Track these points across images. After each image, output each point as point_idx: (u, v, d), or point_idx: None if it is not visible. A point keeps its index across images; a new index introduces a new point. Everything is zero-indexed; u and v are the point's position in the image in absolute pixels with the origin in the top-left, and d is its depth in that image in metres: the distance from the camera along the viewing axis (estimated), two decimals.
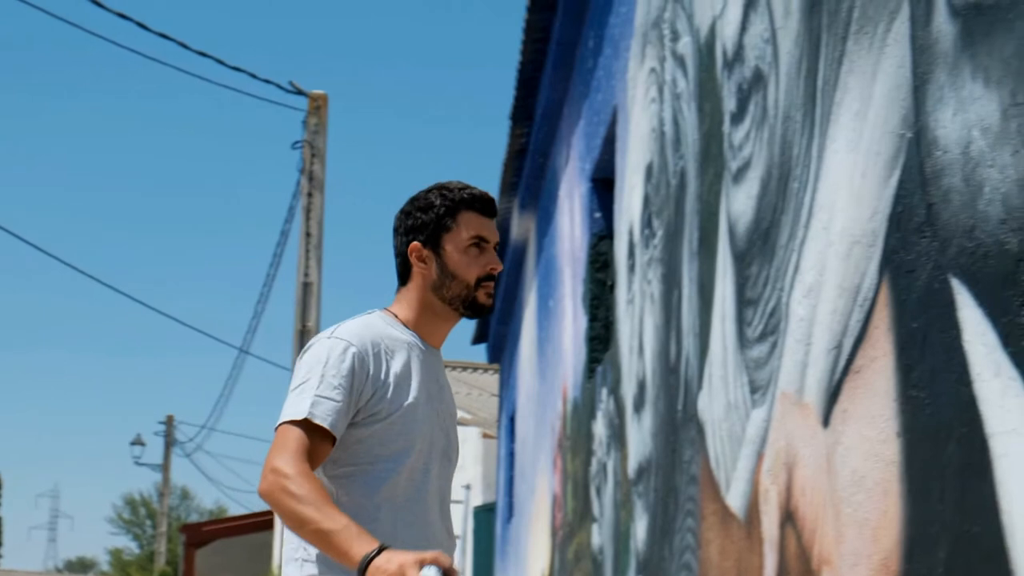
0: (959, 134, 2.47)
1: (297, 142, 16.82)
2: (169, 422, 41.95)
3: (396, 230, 3.51)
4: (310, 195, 16.77)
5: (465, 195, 3.45)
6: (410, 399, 3.32)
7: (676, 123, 5.50)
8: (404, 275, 3.48)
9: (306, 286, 16.57)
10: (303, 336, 16.39)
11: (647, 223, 6.22)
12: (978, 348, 2.38)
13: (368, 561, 2.96)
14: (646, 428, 6.06)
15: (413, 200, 3.50)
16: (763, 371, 3.90)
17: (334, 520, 3.04)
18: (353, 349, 3.24)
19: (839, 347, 3.18)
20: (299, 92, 16.78)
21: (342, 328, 3.32)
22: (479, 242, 3.43)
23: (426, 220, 3.44)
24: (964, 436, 2.43)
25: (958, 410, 2.46)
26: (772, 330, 3.80)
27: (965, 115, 2.44)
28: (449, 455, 3.47)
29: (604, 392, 7.63)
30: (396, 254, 3.51)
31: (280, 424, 3.18)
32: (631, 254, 6.74)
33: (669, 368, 5.52)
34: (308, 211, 16.74)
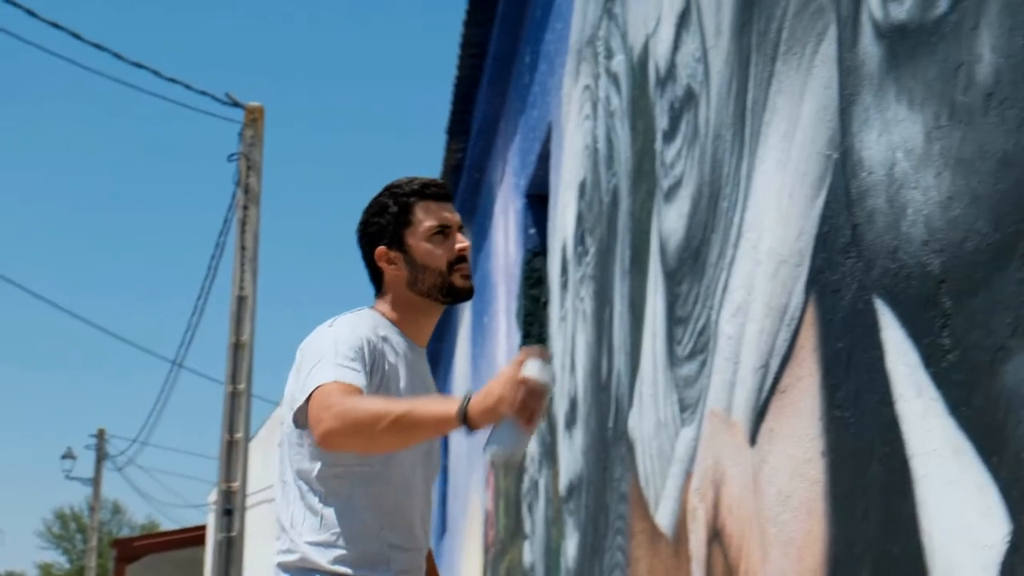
0: (884, 155, 2.49)
1: (233, 154, 16.72)
2: (100, 436, 41.58)
3: (359, 242, 3.49)
4: (246, 208, 16.67)
5: (415, 186, 3.44)
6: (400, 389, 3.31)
7: (609, 140, 5.51)
8: (378, 282, 3.47)
9: (241, 299, 16.46)
10: (237, 350, 16.28)
11: (580, 240, 6.23)
12: (900, 369, 2.39)
13: (465, 411, 2.93)
14: (577, 446, 6.06)
15: (367, 208, 3.49)
16: (692, 389, 3.90)
17: (401, 403, 3.04)
18: (359, 333, 3.22)
19: (766, 366, 3.19)
20: (235, 104, 16.68)
21: (341, 320, 3.31)
22: (441, 229, 3.41)
23: (384, 223, 3.42)
24: (887, 456, 2.44)
25: (881, 430, 2.47)
26: (701, 348, 3.81)
27: (890, 137, 2.46)
28: (432, 458, 3.45)
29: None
30: (366, 265, 3.50)
31: (310, 394, 3.11)
32: (564, 271, 6.74)
33: (600, 386, 5.52)
34: (244, 224, 16.64)
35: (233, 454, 16.04)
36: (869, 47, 2.59)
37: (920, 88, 2.33)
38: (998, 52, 2.04)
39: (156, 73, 15.56)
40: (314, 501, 3.25)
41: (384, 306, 3.41)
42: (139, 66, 15.34)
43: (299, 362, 3.26)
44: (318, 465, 3.24)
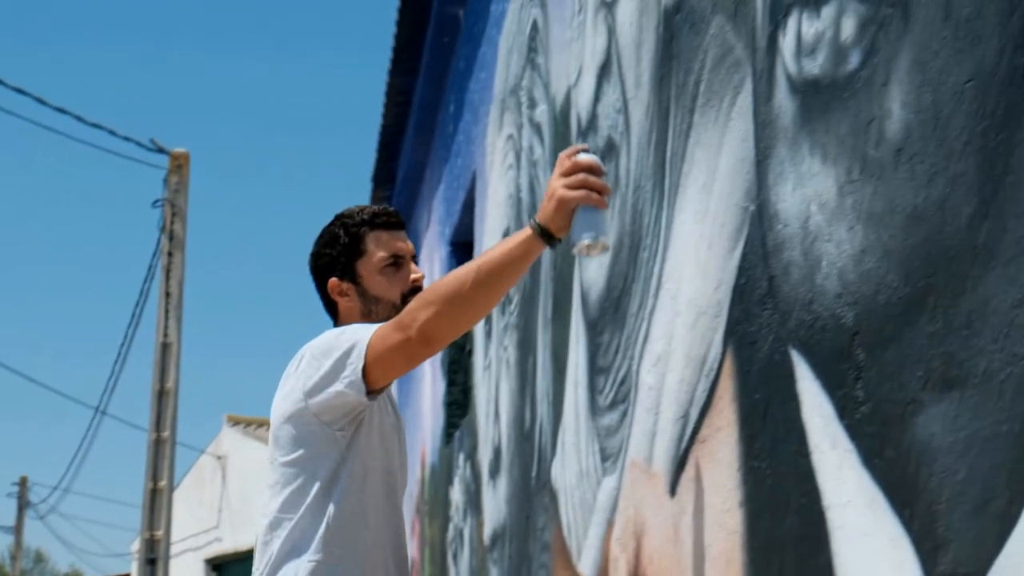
0: (798, 208, 2.51)
1: (157, 201, 16.64)
2: (23, 483, 41.11)
3: (312, 273, 3.45)
4: (170, 254, 16.59)
5: (366, 216, 3.40)
6: (388, 412, 3.31)
7: (532, 189, 5.53)
8: (333, 314, 3.43)
9: (165, 346, 16.35)
10: (161, 397, 16.16)
11: None
12: (816, 420, 2.41)
13: (538, 224, 2.90)
14: (501, 494, 6.06)
15: (318, 239, 3.44)
16: (614, 439, 3.91)
17: (473, 261, 3.02)
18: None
19: (686, 416, 3.20)
20: (161, 150, 16.62)
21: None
22: (394, 259, 3.38)
23: (335, 254, 3.38)
24: (803, 507, 2.45)
25: (797, 481, 2.48)
26: (623, 398, 3.82)
27: (804, 190, 2.48)
28: (406, 480, 3.44)
29: (461, 457, 7.62)
30: (319, 295, 3.45)
31: (365, 357, 3.07)
32: (488, 319, 6.75)
33: (524, 434, 5.52)
34: (168, 270, 16.55)
35: (157, 502, 15.92)
36: (784, 101, 2.62)
37: (833, 142, 2.36)
38: (908, 108, 2.07)
39: (79, 119, 15.48)
40: (318, 518, 3.18)
41: None
42: (62, 111, 15.26)
43: (311, 359, 3.18)
44: (325, 479, 3.18)
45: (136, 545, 20.50)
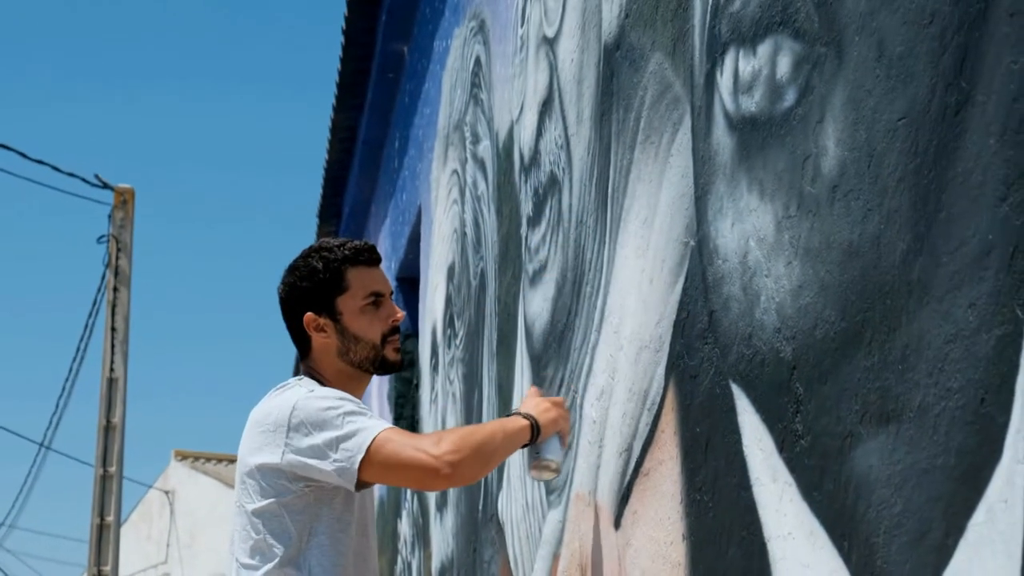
0: (737, 244, 2.53)
1: (102, 236, 16.58)
2: None
3: (284, 304, 3.35)
4: (116, 290, 16.52)
5: (348, 251, 3.31)
6: None
7: (477, 224, 5.54)
8: (304, 348, 3.34)
9: (111, 381, 16.28)
10: (107, 432, 16.07)
11: (450, 323, 6.25)
12: (756, 453, 2.43)
13: (534, 422, 3.25)
14: (448, 528, 6.06)
15: (293, 270, 3.34)
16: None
17: (486, 426, 3.29)
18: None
19: (629, 450, 3.22)
20: (105, 186, 16.55)
21: (303, 389, 3.21)
22: (376, 298, 3.31)
23: (313, 287, 3.29)
24: (744, 540, 2.47)
25: (739, 514, 2.50)
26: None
27: (743, 225, 2.51)
28: (373, 529, 3.41)
29: (408, 491, 7.61)
30: (289, 328, 3.36)
31: (368, 449, 3.06)
32: (434, 353, 6.76)
33: None
34: (114, 306, 16.48)
35: (104, 538, 15.83)
36: (722, 138, 2.64)
37: (770, 179, 2.38)
38: (842, 145, 2.10)
39: (23, 155, 15.39)
40: (289, 570, 3.13)
41: (316, 374, 3.29)
42: (4, 147, 15.17)
43: (302, 421, 3.11)
44: (304, 537, 3.14)
45: None
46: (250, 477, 3.19)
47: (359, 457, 3.05)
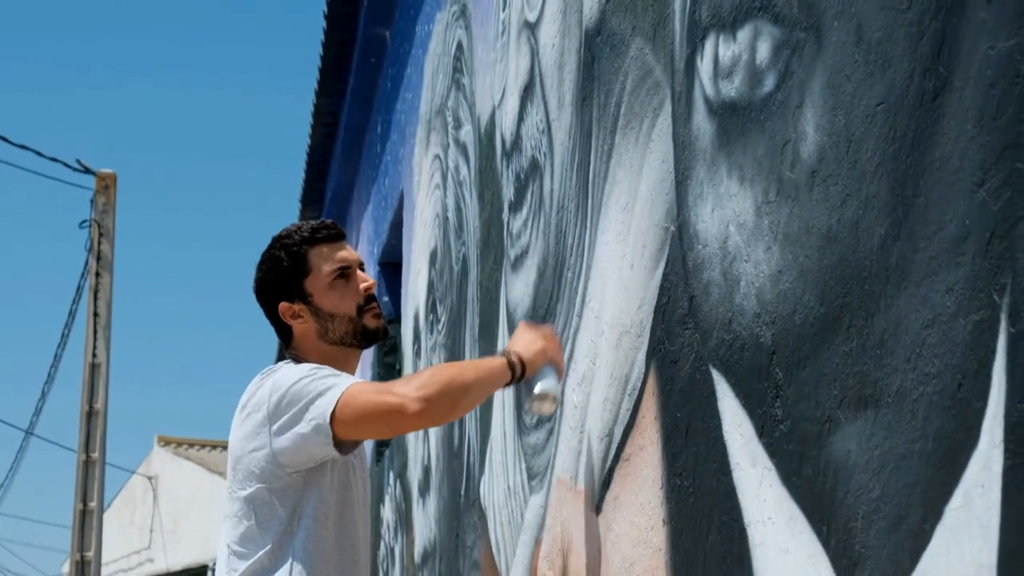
0: (717, 229, 2.54)
1: (84, 221, 16.54)
2: None
3: (259, 300, 3.37)
4: (98, 275, 16.49)
5: (305, 233, 3.32)
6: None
7: (459, 209, 5.54)
8: (286, 337, 3.36)
9: (94, 367, 16.26)
10: (90, 418, 16.06)
11: (432, 308, 6.25)
12: (736, 438, 2.43)
13: (516, 358, 3.20)
14: (431, 513, 6.06)
15: (260, 265, 3.36)
16: (540, 457, 3.93)
17: (456, 365, 3.26)
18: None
19: (611, 435, 3.22)
20: (87, 171, 16.51)
21: (290, 365, 3.23)
22: (341, 271, 3.31)
23: (280, 277, 3.30)
24: (724, 525, 2.47)
25: (719, 499, 2.51)
26: (549, 417, 3.84)
27: (723, 211, 2.51)
28: (368, 511, 3.40)
29: (391, 476, 7.61)
30: (270, 321, 3.38)
31: (337, 403, 3.06)
32: (417, 338, 6.76)
33: (453, 453, 5.53)
34: (96, 291, 16.45)
35: (87, 523, 15.82)
36: (702, 123, 2.64)
37: (750, 164, 2.39)
38: (821, 130, 2.10)
39: (4, 139, 15.35)
40: (279, 555, 3.14)
41: (302, 360, 3.28)
42: None
43: (280, 398, 3.12)
44: (291, 519, 3.15)
45: (67, 567, 20.34)
46: (240, 464, 3.20)
47: (329, 411, 3.06)
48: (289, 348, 3.37)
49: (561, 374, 3.35)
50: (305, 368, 3.18)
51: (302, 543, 3.15)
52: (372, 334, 3.35)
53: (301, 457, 3.14)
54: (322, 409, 3.07)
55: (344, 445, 3.13)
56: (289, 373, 3.18)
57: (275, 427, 3.13)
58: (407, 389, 3.04)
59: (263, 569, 3.16)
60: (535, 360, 3.22)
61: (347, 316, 3.30)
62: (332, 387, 3.09)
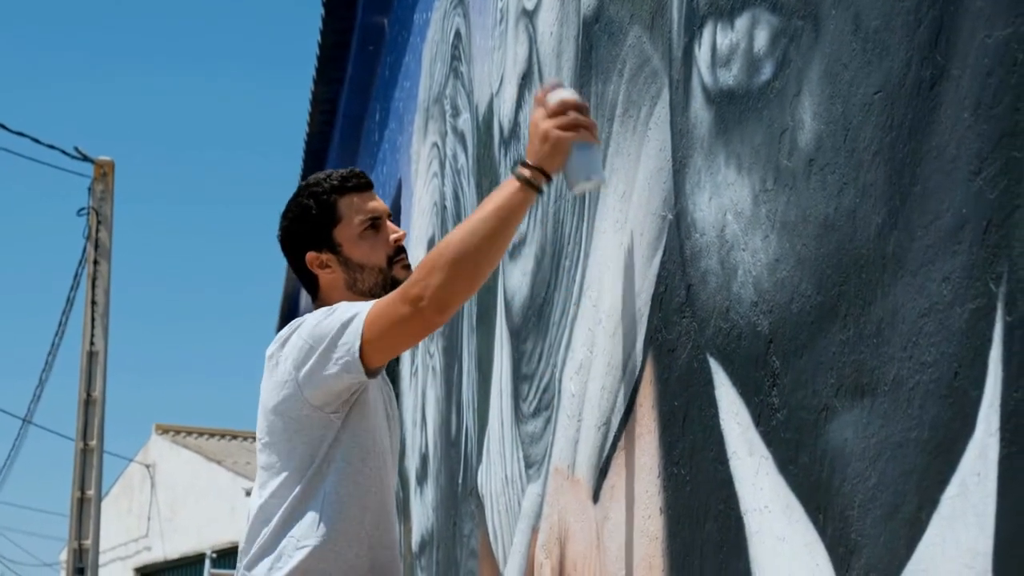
0: (715, 217, 2.54)
1: (82, 209, 16.54)
2: None
3: (284, 250, 3.32)
4: (96, 263, 16.49)
5: (335, 181, 3.26)
6: (381, 390, 3.24)
7: (457, 198, 5.54)
8: (313, 289, 3.31)
9: (92, 355, 16.27)
10: (88, 406, 16.07)
11: None
12: (733, 427, 2.43)
13: (531, 167, 2.88)
14: (428, 501, 6.07)
15: (286, 214, 3.31)
16: (538, 446, 3.93)
17: (468, 219, 2.97)
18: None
19: (608, 424, 3.22)
20: (85, 158, 16.51)
21: (312, 315, 3.16)
22: (372, 222, 3.26)
23: (308, 226, 3.25)
24: (721, 513, 2.48)
25: (716, 487, 2.51)
26: (546, 406, 3.84)
27: (720, 199, 2.51)
28: (395, 463, 3.37)
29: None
30: (295, 271, 3.33)
31: (362, 336, 2.99)
32: None
33: (450, 441, 5.54)
34: (94, 279, 16.46)
35: (85, 511, 15.84)
36: (700, 111, 2.64)
37: (748, 152, 2.38)
38: (819, 119, 2.10)
39: (2, 126, 15.33)
40: (311, 502, 3.13)
41: None
42: None
43: (304, 344, 3.08)
44: (313, 468, 3.12)
45: (64, 555, 20.37)
46: (273, 414, 3.17)
47: (357, 343, 3.01)
48: (316, 299, 3.33)
49: (598, 140, 2.96)
50: (321, 312, 3.14)
51: (333, 486, 3.13)
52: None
53: (332, 396, 3.11)
54: (348, 345, 3.02)
55: (375, 371, 3.10)
56: (310, 319, 3.14)
57: (303, 374, 3.09)
58: (417, 290, 2.93)
59: (295, 512, 3.13)
60: (555, 152, 2.88)
61: (377, 267, 3.26)
62: (354, 318, 3.03)
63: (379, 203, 3.33)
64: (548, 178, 2.91)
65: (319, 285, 3.30)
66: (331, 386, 3.09)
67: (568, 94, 2.92)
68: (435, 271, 2.92)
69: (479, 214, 2.94)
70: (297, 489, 3.14)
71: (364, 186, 3.31)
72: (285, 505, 3.15)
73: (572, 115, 2.87)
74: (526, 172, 2.89)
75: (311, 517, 3.12)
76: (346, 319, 3.05)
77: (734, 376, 2.44)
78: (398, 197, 7.65)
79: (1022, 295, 1.53)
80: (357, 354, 3.02)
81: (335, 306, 3.14)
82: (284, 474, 3.17)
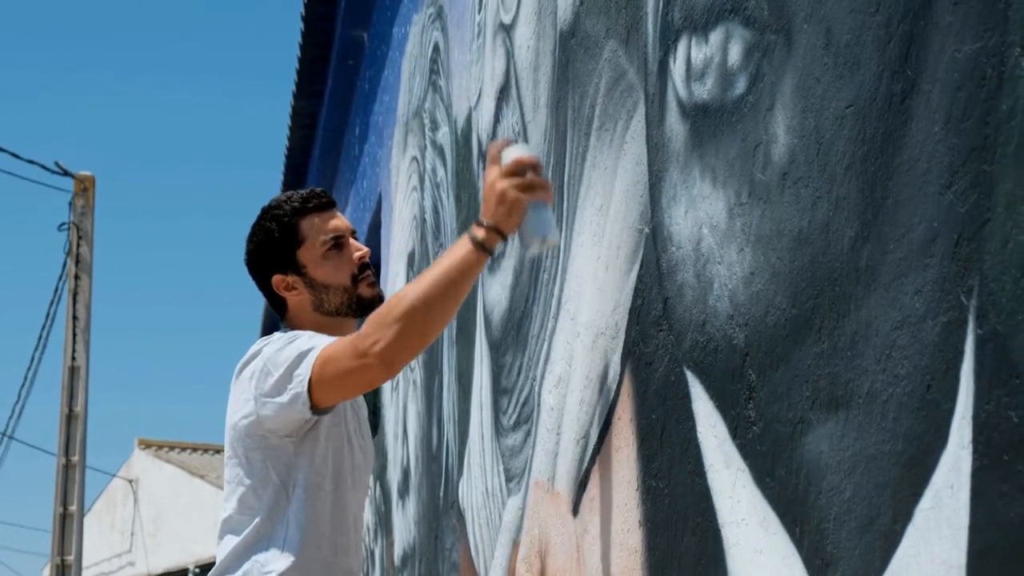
0: (691, 231, 2.54)
1: (63, 224, 16.50)
2: None
3: (251, 273, 3.33)
4: (77, 278, 16.45)
5: (296, 203, 3.27)
6: (343, 423, 3.23)
7: (436, 211, 5.55)
8: (280, 310, 3.31)
9: (73, 370, 16.22)
10: (70, 421, 16.02)
11: None
12: (710, 440, 2.44)
13: (487, 228, 2.83)
14: (410, 515, 6.06)
15: (251, 238, 3.32)
16: (518, 459, 3.93)
17: (419, 278, 2.90)
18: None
19: (587, 437, 3.22)
20: (65, 173, 16.47)
21: (277, 336, 3.17)
22: (335, 241, 3.26)
23: (272, 249, 3.26)
24: (699, 526, 2.48)
25: (693, 500, 2.51)
26: (526, 419, 3.84)
27: (696, 213, 2.52)
28: (367, 480, 3.38)
29: (371, 478, 7.62)
30: (263, 294, 3.34)
31: (312, 372, 2.99)
32: None
33: (431, 455, 5.53)
34: (75, 294, 16.41)
35: (67, 527, 15.78)
36: (675, 125, 2.65)
37: (722, 166, 2.39)
38: (792, 133, 2.11)
39: None
40: (274, 525, 3.14)
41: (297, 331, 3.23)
42: None
43: (263, 367, 3.10)
44: (277, 489, 3.14)
45: (47, 571, 20.31)
46: (235, 431, 3.20)
47: (307, 380, 3.03)
48: (284, 320, 3.34)
49: (551, 200, 2.92)
50: (285, 337, 3.16)
51: (295, 513, 3.15)
52: (368, 303, 3.28)
53: (283, 424, 3.12)
54: (301, 378, 3.04)
55: (323, 409, 3.12)
56: (274, 342, 3.15)
57: (259, 395, 3.12)
58: (367, 344, 2.92)
59: (259, 538, 3.16)
60: (511, 214, 2.84)
61: (342, 286, 3.26)
62: (309, 353, 3.05)
63: (341, 221, 3.33)
64: (504, 238, 2.89)
65: (287, 307, 3.32)
66: (283, 415, 3.11)
67: (522, 151, 2.90)
68: (385, 327, 2.91)
69: (432, 272, 2.91)
70: (261, 510, 3.17)
71: (326, 206, 3.32)
72: (250, 528, 3.17)
73: (529, 175, 2.85)
74: (480, 233, 2.86)
75: (275, 542, 3.14)
76: (304, 350, 3.07)
77: (711, 389, 2.44)
78: (378, 211, 7.66)
79: (993, 308, 1.54)
80: (306, 389, 3.05)
81: (297, 333, 3.17)
82: (245, 490, 3.19)
